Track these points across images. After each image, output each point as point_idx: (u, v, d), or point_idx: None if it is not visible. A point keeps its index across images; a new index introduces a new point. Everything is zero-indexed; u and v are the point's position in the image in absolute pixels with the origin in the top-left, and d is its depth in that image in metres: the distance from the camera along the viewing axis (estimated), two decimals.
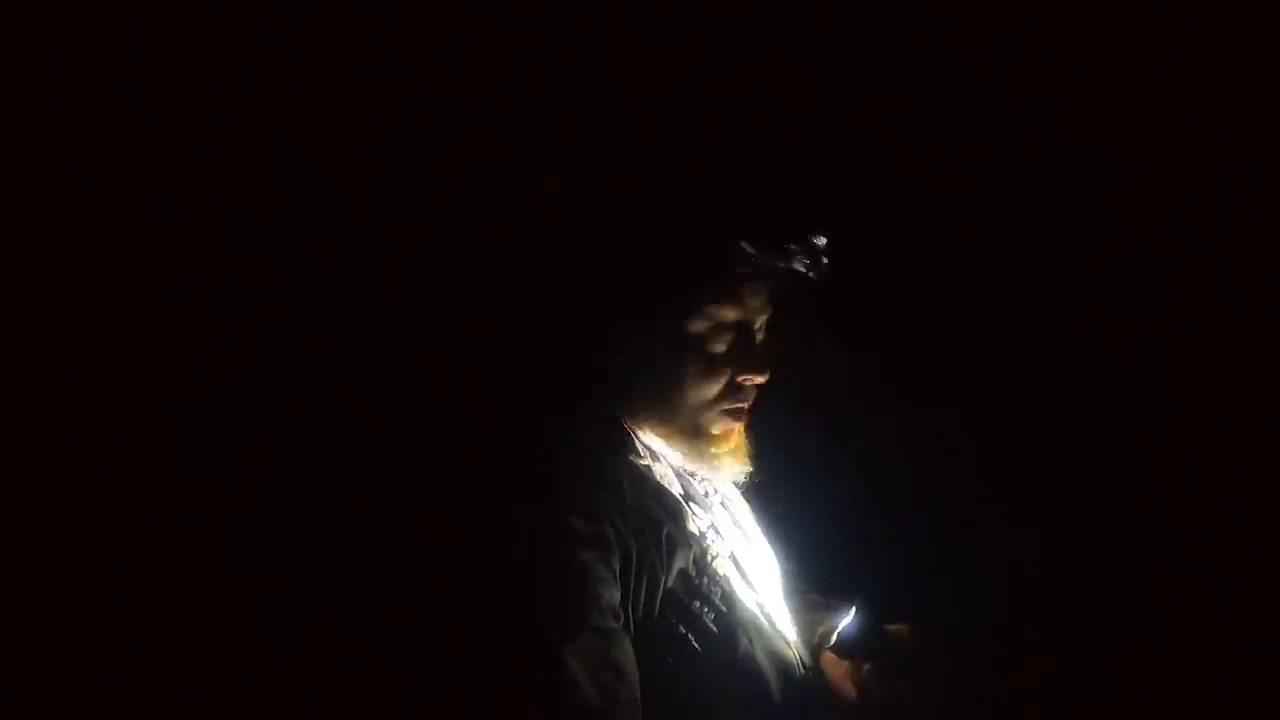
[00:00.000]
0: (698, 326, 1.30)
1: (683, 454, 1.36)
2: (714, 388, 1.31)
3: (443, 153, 1.56)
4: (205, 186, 1.52)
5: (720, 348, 1.31)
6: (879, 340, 1.68)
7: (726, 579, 1.30)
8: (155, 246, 1.50)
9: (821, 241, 1.31)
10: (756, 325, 1.33)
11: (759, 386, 1.34)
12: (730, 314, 1.31)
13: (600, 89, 1.54)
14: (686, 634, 1.22)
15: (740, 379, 1.32)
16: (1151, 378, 1.63)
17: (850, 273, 1.31)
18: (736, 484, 1.44)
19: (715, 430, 1.34)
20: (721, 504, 1.42)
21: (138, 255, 1.50)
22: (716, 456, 1.35)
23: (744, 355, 1.31)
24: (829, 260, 1.32)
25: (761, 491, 1.46)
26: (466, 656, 1.18)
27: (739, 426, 1.36)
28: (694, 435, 1.34)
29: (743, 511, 1.46)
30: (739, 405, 1.34)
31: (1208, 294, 1.59)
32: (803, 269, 1.30)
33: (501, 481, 1.27)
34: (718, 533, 1.35)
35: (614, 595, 1.18)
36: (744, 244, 1.27)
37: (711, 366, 1.31)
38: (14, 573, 1.39)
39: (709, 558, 1.29)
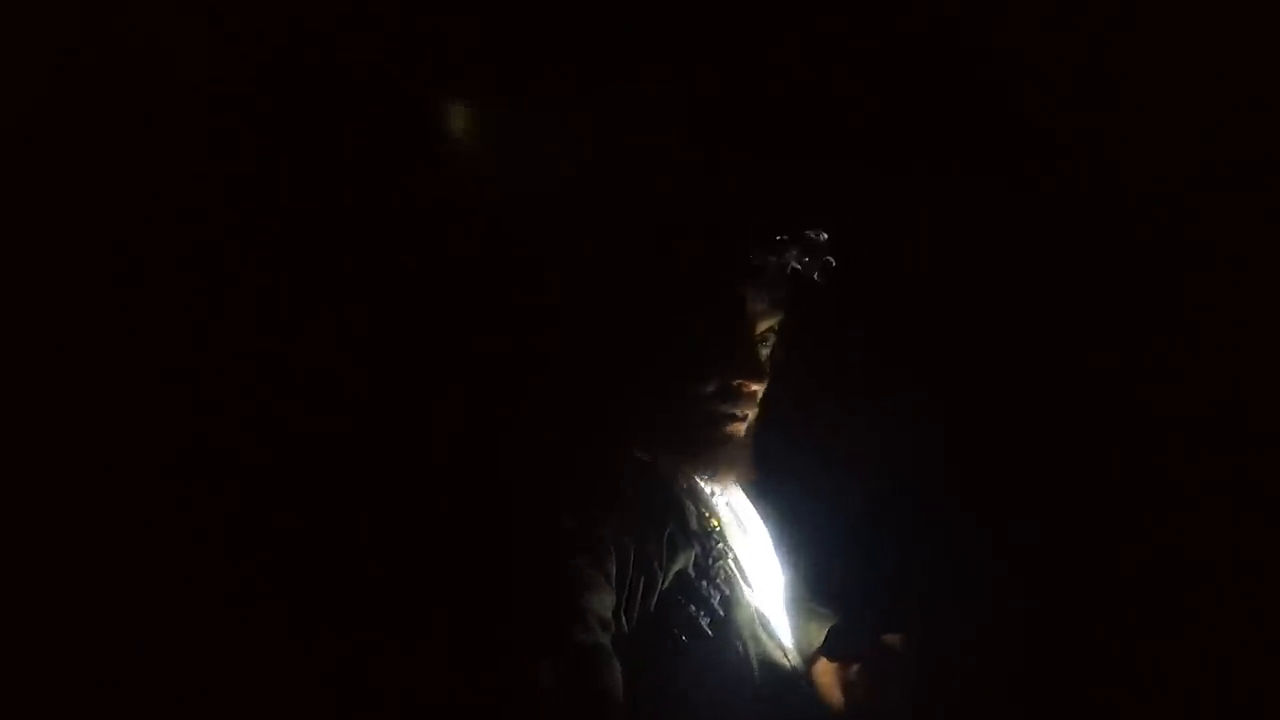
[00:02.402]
0: (697, 329, 1.30)
1: (684, 458, 1.35)
2: (707, 389, 1.30)
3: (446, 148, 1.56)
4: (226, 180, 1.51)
5: (717, 351, 1.30)
6: (884, 351, 1.69)
7: (728, 582, 1.29)
8: (161, 237, 1.49)
9: (819, 237, 1.31)
10: (759, 331, 1.32)
11: (762, 396, 1.34)
12: (730, 317, 1.30)
13: (602, 93, 1.54)
14: (680, 635, 1.22)
15: (736, 383, 1.31)
16: (1150, 392, 1.63)
17: (859, 283, 1.32)
18: (742, 487, 1.44)
19: (712, 434, 1.33)
20: (727, 505, 1.41)
21: (139, 251, 1.49)
22: (715, 463, 1.35)
23: (741, 360, 1.31)
24: (830, 259, 1.32)
25: (766, 497, 1.46)
26: (447, 663, 1.19)
27: (738, 434, 1.35)
28: (692, 439, 1.33)
29: (748, 514, 1.45)
30: (734, 411, 1.33)
31: (1223, 313, 1.59)
32: (799, 266, 1.30)
33: (495, 481, 1.28)
34: (722, 535, 1.35)
35: (605, 603, 1.17)
36: (738, 240, 1.29)
37: (708, 369, 1.30)
38: (14, 573, 1.39)
39: (711, 559, 1.29)
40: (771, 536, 1.46)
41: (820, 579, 1.50)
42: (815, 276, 1.32)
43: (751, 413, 1.35)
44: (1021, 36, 1.63)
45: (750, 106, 1.58)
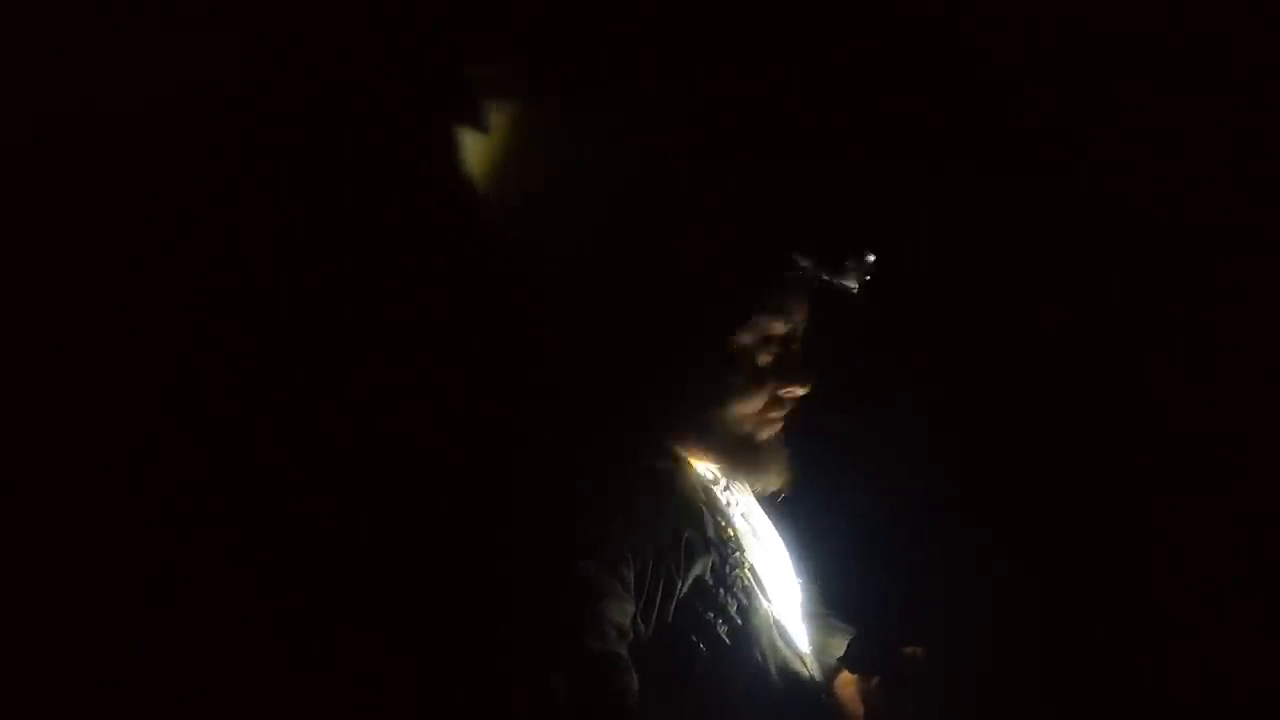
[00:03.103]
0: (744, 339, 1.30)
1: (723, 467, 1.37)
2: (758, 401, 1.32)
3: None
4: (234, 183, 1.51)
5: (765, 360, 1.31)
6: (894, 355, 1.69)
7: (746, 591, 1.29)
8: (161, 237, 1.49)
9: (872, 258, 1.32)
10: (790, 337, 1.33)
11: (798, 399, 1.35)
12: (776, 327, 1.31)
13: (650, 92, 1.53)
14: (698, 643, 1.22)
15: (782, 392, 1.32)
16: (1154, 392, 1.63)
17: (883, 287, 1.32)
18: (759, 498, 1.44)
19: (759, 442, 1.34)
20: (742, 515, 1.41)
21: (139, 251, 1.49)
22: (757, 469, 1.36)
23: (788, 367, 1.32)
24: (867, 275, 1.32)
25: (784, 508, 1.46)
26: (459, 666, 1.18)
27: (777, 438, 1.36)
28: (738, 448, 1.34)
29: (763, 526, 1.45)
30: (778, 416, 1.34)
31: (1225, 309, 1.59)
32: (854, 284, 1.31)
33: (505, 484, 1.27)
34: (739, 544, 1.35)
35: (622, 610, 1.16)
36: (798, 257, 1.29)
37: (757, 380, 1.31)
38: (14, 573, 1.39)
39: (729, 568, 1.29)
40: (789, 549, 1.46)
41: (839, 591, 1.51)
42: (853, 290, 1.32)
43: (778, 415, 1.35)
44: (1021, 36, 1.63)
45: (750, 107, 1.58)
